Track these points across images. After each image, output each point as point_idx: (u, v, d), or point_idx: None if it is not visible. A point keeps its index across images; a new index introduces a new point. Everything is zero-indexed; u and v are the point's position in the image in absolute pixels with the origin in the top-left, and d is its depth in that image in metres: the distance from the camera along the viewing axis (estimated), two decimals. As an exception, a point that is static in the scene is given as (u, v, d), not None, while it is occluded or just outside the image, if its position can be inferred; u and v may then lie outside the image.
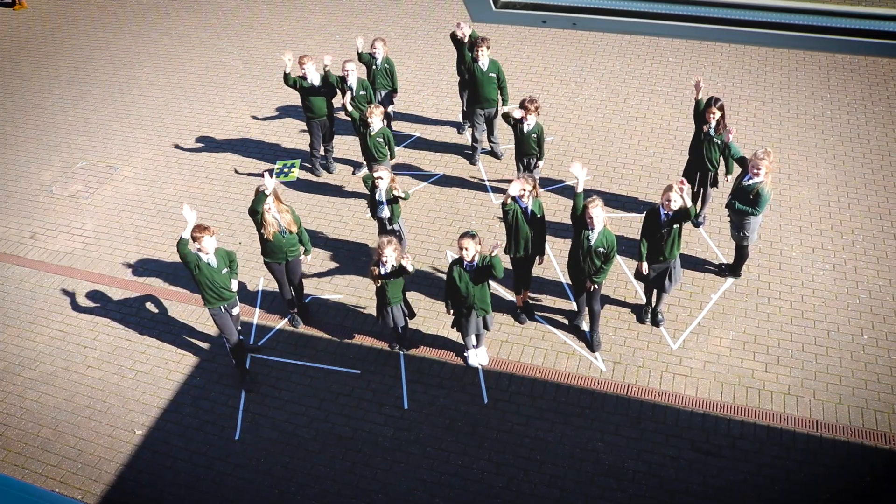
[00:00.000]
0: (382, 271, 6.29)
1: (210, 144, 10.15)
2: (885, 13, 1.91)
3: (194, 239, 5.98)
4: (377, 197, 7.26)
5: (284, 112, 10.59)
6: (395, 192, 7.06)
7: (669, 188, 6.03)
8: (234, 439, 6.49)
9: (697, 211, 7.71)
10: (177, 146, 10.17)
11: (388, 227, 7.48)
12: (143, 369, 7.19)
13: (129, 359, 7.31)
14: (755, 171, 6.48)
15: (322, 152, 9.14)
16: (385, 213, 7.35)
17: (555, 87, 10.39)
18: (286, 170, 9.47)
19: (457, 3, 12.79)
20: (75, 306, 7.95)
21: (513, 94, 10.17)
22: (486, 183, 8.89)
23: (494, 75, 8.27)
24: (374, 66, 8.73)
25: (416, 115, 10.17)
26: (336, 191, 9.05)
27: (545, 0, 2.18)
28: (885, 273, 7.24)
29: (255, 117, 10.53)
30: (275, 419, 6.60)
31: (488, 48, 8.18)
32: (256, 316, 7.58)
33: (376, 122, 7.74)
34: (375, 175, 7.17)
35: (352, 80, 8.28)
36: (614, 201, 8.35)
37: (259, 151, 9.90)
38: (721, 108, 7.00)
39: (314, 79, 8.40)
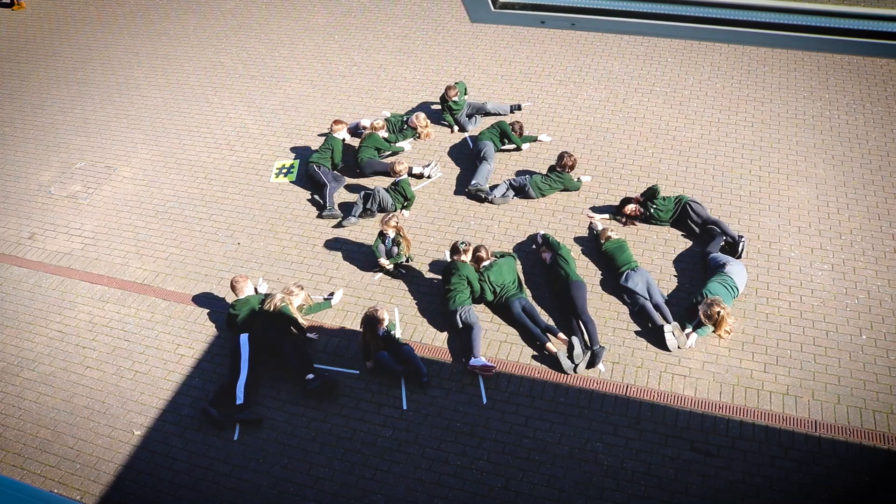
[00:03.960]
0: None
1: (209, 144, 10.14)
2: (884, 13, 1.91)
3: None
4: (385, 243, 7.64)
5: (283, 112, 10.59)
6: (401, 238, 7.60)
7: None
8: (233, 440, 6.48)
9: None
10: (175, 146, 10.16)
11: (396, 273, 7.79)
12: (141, 370, 7.18)
13: (128, 359, 7.31)
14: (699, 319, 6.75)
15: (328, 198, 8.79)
16: (391, 255, 7.69)
17: (553, 87, 10.39)
18: (286, 170, 9.46)
19: (456, 4, 12.79)
20: (74, 307, 7.94)
21: (512, 94, 10.23)
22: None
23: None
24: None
25: (415, 116, 10.16)
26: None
27: (544, 0, 2.17)
28: (883, 273, 7.25)
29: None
30: (274, 420, 6.60)
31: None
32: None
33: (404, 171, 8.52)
34: (386, 225, 7.60)
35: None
36: (614, 201, 8.35)
37: (258, 151, 9.89)
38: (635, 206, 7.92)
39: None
